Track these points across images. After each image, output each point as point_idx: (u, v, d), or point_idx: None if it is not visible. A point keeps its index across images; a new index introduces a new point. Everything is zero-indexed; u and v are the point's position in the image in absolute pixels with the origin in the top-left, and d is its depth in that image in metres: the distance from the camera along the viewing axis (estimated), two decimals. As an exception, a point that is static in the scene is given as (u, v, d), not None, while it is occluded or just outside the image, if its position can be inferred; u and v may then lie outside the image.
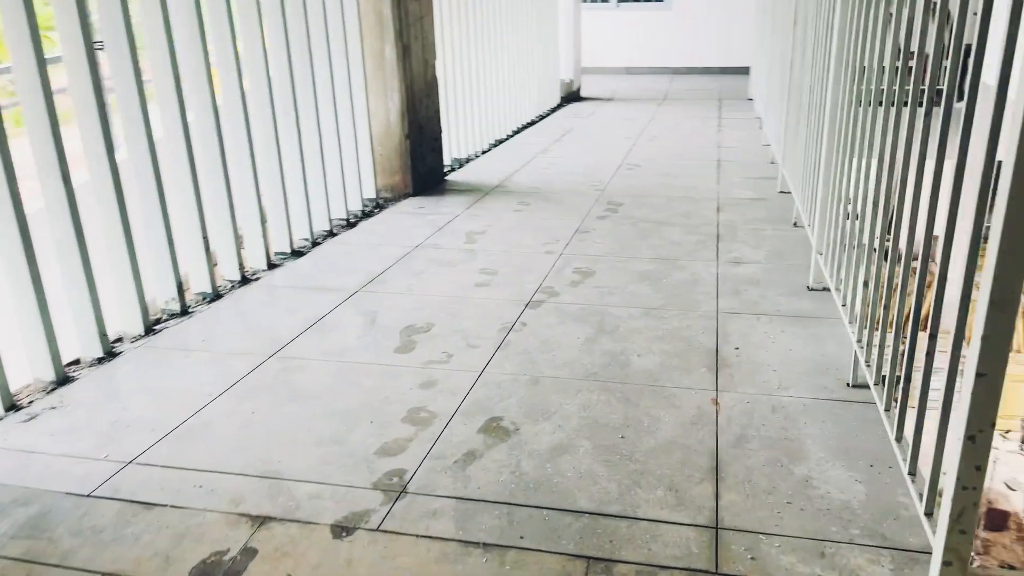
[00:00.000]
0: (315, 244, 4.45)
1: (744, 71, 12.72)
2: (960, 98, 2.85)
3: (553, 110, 10.15)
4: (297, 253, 4.27)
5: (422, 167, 5.55)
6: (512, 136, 8.18)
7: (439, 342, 3.07)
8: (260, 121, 4.10)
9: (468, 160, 6.90)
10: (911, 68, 2.37)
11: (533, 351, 2.97)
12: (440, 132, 5.89)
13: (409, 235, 4.54)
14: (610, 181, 5.88)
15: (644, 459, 2.25)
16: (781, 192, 5.41)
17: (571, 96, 11.11)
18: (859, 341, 2.56)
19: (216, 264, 3.82)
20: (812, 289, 3.55)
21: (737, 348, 2.96)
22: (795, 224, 4.60)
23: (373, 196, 5.28)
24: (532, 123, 9.05)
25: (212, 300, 3.60)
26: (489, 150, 7.41)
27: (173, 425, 2.49)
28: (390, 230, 4.68)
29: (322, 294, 3.62)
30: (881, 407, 2.19)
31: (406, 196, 5.43)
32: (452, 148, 6.51)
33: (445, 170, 6.19)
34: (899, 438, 1.99)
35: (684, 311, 3.33)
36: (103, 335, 3.02)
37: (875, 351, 2.34)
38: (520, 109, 8.74)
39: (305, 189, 4.43)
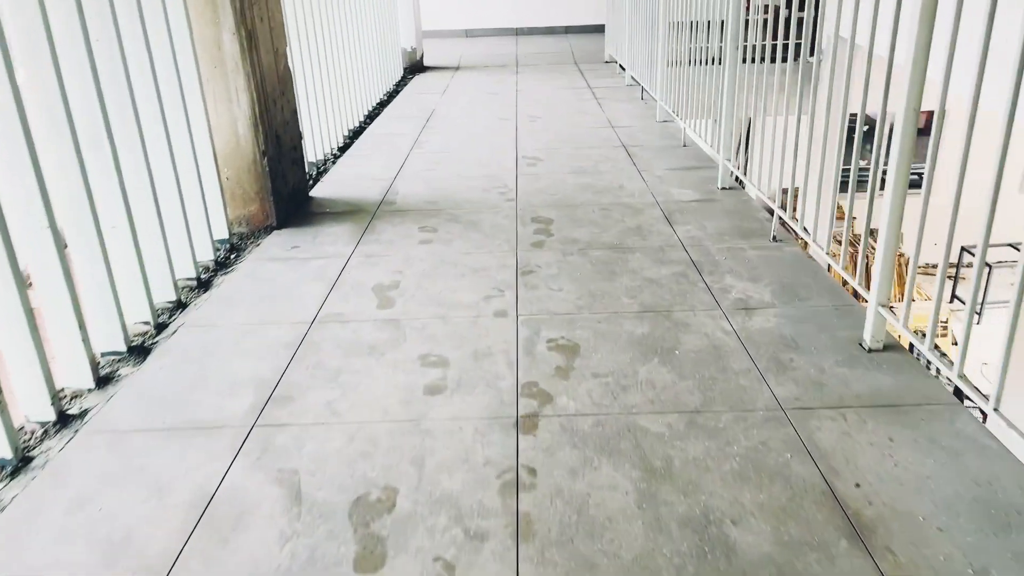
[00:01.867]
0: (160, 328, 3.10)
1: (592, 29, 11.91)
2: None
3: (399, 85, 8.86)
4: (138, 351, 2.91)
5: (284, 188, 4.24)
6: (368, 123, 6.88)
7: (419, 534, 1.93)
8: (59, 155, 2.69)
9: (327, 163, 5.58)
10: None
11: (575, 535, 1.91)
12: (300, 138, 4.56)
13: (294, 299, 3.28)
14: (517, 185, 4.82)
15: None
16: (723, 188, 4.58)
17: (415, 66, 9.84)
18: (1091, 495, 1.71)
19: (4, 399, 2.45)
20: (872, 350, 2.71)
21: (858, 485, 2.05)
22: (775, 239, 3.76)
23: (226, 236, 3.92)
24: (383, 104, 7.76)
25: (14, 473, 2.24)
26: (347, 146, 6.10)
27: None
28: (264, 291, 3.38)
29: (197, 438, 2.35)
30: None
31: (269, 230, 4.10)
32: (306, 151, 5.18)
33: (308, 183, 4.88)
34: None
35: (739, 413, 2.38)
36: None
37: None
38: (369, 88, 7.43)
39: (137, 247, 3.06)
